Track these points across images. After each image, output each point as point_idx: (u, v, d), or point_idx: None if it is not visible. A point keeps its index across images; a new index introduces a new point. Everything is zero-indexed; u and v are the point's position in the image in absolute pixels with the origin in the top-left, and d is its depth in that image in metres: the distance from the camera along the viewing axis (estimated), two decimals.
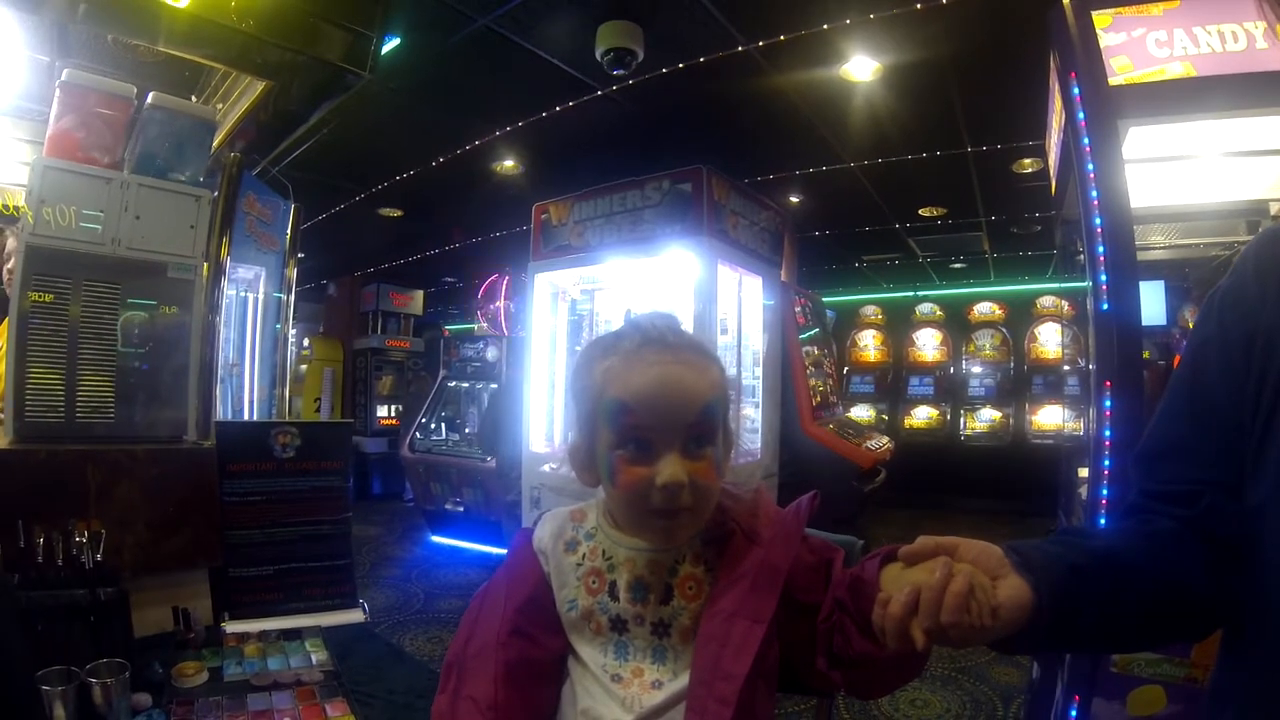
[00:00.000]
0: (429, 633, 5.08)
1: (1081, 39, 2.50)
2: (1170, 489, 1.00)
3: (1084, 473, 2.80)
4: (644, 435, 1.09)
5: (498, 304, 7.30)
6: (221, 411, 3.70)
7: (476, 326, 7.73)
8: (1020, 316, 9.97)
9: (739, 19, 4.23)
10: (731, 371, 5.21)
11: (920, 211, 8.10)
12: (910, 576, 0.87)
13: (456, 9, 4.12)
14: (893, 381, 10.51)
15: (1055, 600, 0.86)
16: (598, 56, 4.42)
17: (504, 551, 1.35)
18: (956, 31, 4.23)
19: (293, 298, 4.29)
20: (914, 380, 10.36)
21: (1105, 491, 2.33)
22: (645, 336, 1.13)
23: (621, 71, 4.51)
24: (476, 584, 1.29)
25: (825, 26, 4.27)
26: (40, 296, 2.41)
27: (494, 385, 7.26)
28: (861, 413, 10.05)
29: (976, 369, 10.07)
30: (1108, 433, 2.32)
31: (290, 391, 4.44)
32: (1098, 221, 2.35)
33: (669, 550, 1.17)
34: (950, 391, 10.06)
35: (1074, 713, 2.34)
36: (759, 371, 5.77)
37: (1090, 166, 2.38)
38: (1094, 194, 2.36)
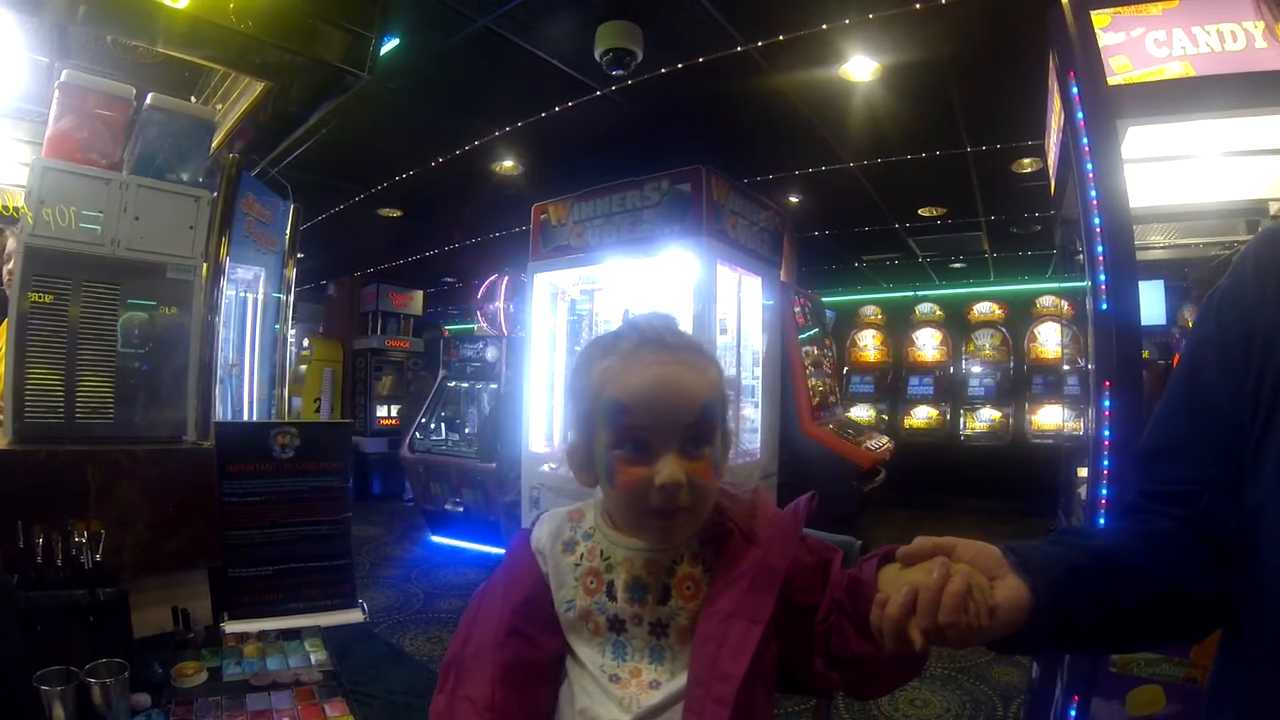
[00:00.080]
0: (429, 633, 5.08)
1: (1080, 38, 2.50)
2: (1169, 489, 1.00)
3: (1083, 472, 2.79)
4: (642, 435, 1.09)
5: (497, 304, 7.28)
6: (221, 412, 3.70)
7: (476, 327, 7.72)
8: (1020, 316, 9.97)
9: (738, 19, 4.23)
10: (731, 372, 5.24)
11: (920, 211, 8.10)
12: (908, 577, 0.87)
13: (455, 9, 4.12)
14: (892, 381, 10.51)
15: (1053, 601, 0.86)
16: (597, 57, 4.42)
17: (504, 551, 1.35)
18: (956, 31, 4.23)
19: (292, 298, 4.29)
20: (914, 380, 10.36)
21: (1104, 491, 2.33)
22: (643, 337, 1.14)
23: (621, 72, 4.52)
24: (476, 584, 1.29)
25: (824, 26, 4.27)
26: (40, 297, 2.41)
27: (493, 385, 7.26)
28: (861, 413, 10.05)
29: (976, 369, 10.06)
30: (1107, 432, 2.32)
31: (290, 392, 4.44)
32: (1097, 221, 2.35)
33: (667, 550, 1.17)
34: (950, 391, 10.05)
35: (1073, 712, 2.34)
36: (758, 371, 5.76)
37: (1089, 166, 2.38)
38: (1093, 194, 2.36)
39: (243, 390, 4.16)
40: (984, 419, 9.75)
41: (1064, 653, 2.34)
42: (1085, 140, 2.41)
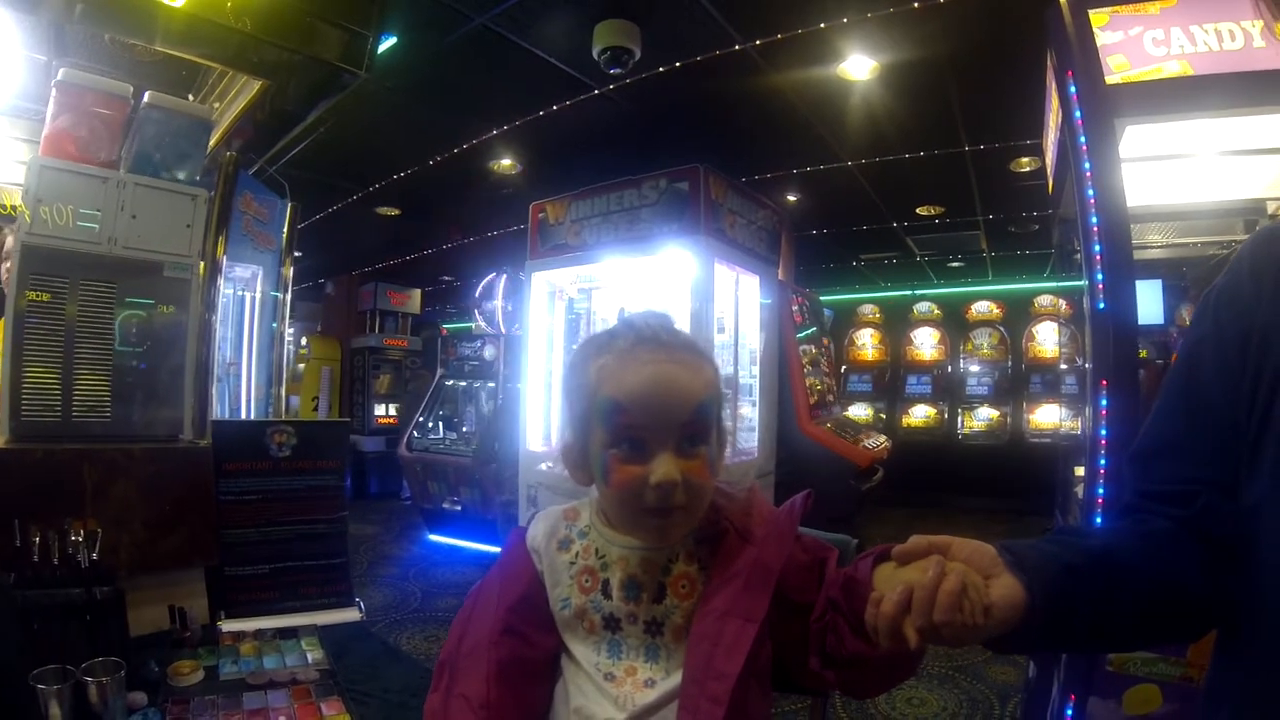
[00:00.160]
0: (426, 631, 5.08)
1: (1078, 38, 2.50)
2: (1166, 489, 1.00)
3: (1080, 471, 2.80)
4: (638, 434, 1.08)
5: (495, 303, 7.28)
6: (219, 410, 3.70)
7: (474, 325, 7.71)
8: (1018, 315, 9.96)
9: (736, 18, 4.22)
10: (728, 370, 5.24)
11: (918, 210, 8.10)
12: (903, 575, 0.87)
13: (453, 8, 4.11)
14: (890, 380, 10.50)
15: (1048, 600, 0.86)
16: (595, 55, 4.42)
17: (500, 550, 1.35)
18: (954, 30, 4.23)
19: (289, 296, 4.28)
20: (912, 379, 10.35)
21: (1101, 490, 2.34)
22: (639, 335, 1.13)
23: (619, 70, 4.51)
24: (474, 582, 1.29)
25: (822, 25, 4.27)
26: (37, 295, 2.41)
27: (491, 384, 7.26)
28: (859, 411, 10.05)
29: (974, 368, 10.06)
30: (1104, 431, 2.32)
31: (287, 390, 4.44)
32: (1094, 220, 2.35)
33: (662, 549, 1.17)
34: (948, 390, 10.05)
35: (1070, 711, 2.34)
36: (756, 370, 5.77)
37: (1087, 165, 2.39)
38: (1091, 193, 2.36)
39: (240, 389, 4.16)
40: (982, 418, 9.75)
41: (1060, 652, 2.34)
42: (1083, 139, 2.42)
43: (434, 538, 7.49)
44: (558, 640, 1.20)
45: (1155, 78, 2.43)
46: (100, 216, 2.53)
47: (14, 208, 3.06)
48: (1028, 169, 6.47)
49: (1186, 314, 3.13)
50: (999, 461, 9.14)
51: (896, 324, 10.74)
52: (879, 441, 6.99)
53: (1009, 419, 9.56)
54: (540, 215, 5.66)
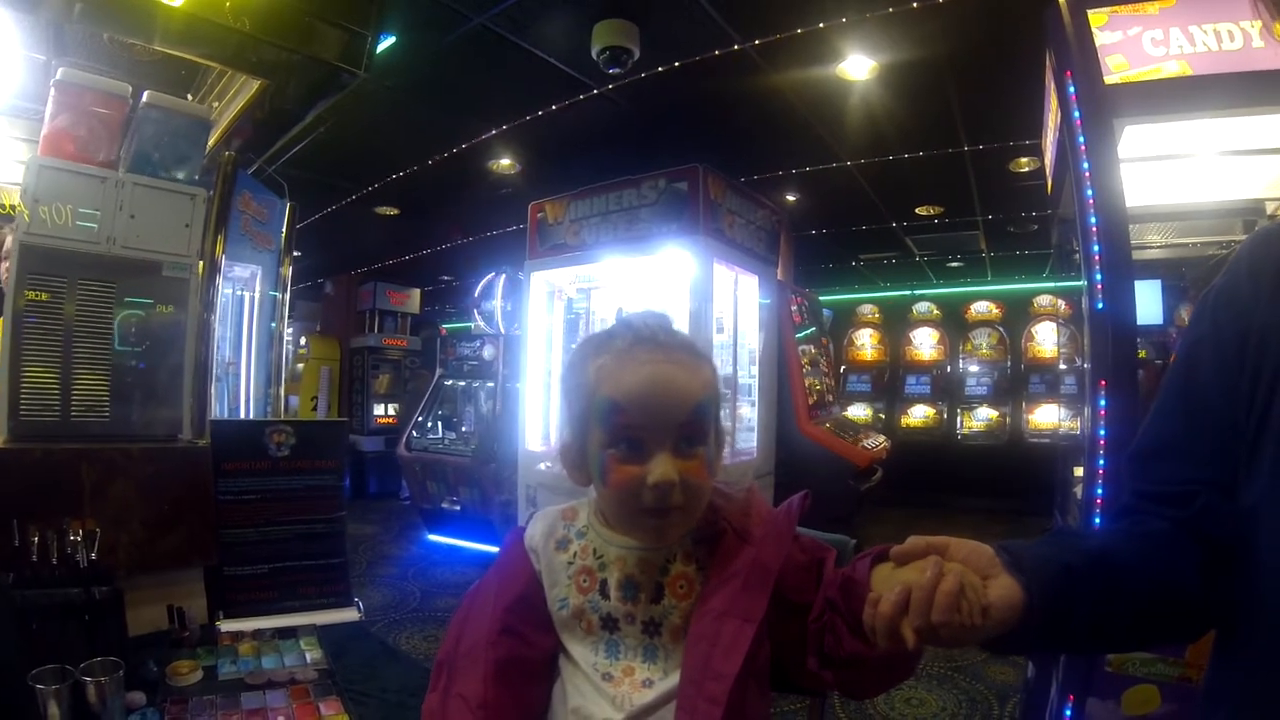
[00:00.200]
0: (425, 631, 5.08)
1: (1077, 38, 2.50)
2: (1164, 489, 0.99)
3: (1079, 472, 2.80)
4: (635, 434, 1.08)
5: (494, 302, 7.28)
6: (219, 410, 3.70)
7: (473, 325, 7.71)
8: (1017, 315, 9.96)
9: (735, 17, 4.22)
10: (727, 370, 5.25)
11: (917, 210, 8.09)
12: (901, 576, 0.87)
13: (452, 8, 4.11)
14: (890, 380, 10.51)
15: (1046, 600, 0.86)
16: (594, 55, 4.42)
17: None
18: (953, 30, 4.23)
19: (288, 296, 4.29)
20: (911, 379, 10.35)
21: (1100, 490, 2.34)
22: (637, 336, 1.13)
23: (617, 70, 4.51)
24: (473, 582, 1.29)
25: (821, 25, 4.27)
26: (36, 295, 2.41)
27: (490, 384, 7.26)
28: (858, 412, 10.05)
29: (973, 368, 10.06)
30: (1103, 432, 2.32)
31: (287, 390, 4.45)
32: (1093, 220, 2.35)
33: (660, 549, 1.17)
34: (947, 390, 10.05)
35: (1069, 712, 2.35)
36: (755, 370, 5.78)
37: (1085, 165, 2.39)
38: (1089, 193, 2.36)
39: (239, 388, 4.16)
40: (981, 418, 9.75)
41: (1057, 653, 2.35)
42: (1082, 139, 2.42)
43: (433, 537, 7.48)
44: (555, 640, 1.20)
45: (1154, 78, 2.43)
46: (99, 216, 2.53)
47: (13, 207, 3.06)
48: (1027, 169, 6.47)
49: (1186, 314, 3.13)
50: (998, 462, 9.14)
51: (896, 324, 10.74)
52: (878, 442, 6.99)
53: (1008, 419, 9.56)
54: (539, 215, 5.66)
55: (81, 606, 2.08)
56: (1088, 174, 2.37)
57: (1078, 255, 2.63)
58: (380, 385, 10.91)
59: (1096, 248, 2.35)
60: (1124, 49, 2.46)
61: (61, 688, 1.74)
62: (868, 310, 10.99)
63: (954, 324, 10.34)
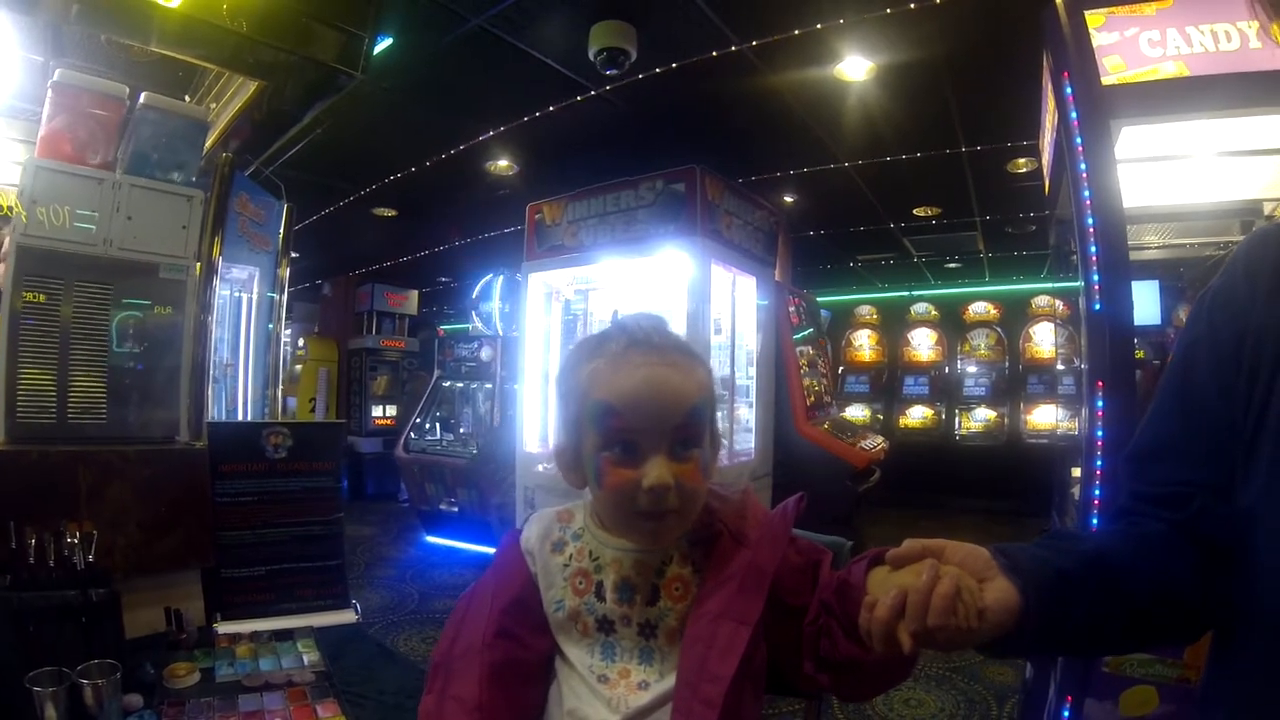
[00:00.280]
0: (423, 633, 5.08)
1: (1074, 38, 2.50)
2: (1161, 491, 0.99)
3: (1077, 472, 2.80)
4: (630, 437, 1.08)
5: (492, 304, 7.28)
6: (216, 412, 3.70)
7: (471, 326, 7.72)
8: (1015, 316, 9.97)
9: (732, 18, 4.22)
10: (725, 372, 5.24)
11: (915, 211, 8.09)
12: (897, 579, 0.87)
13: (449, 9, 4.11)
14: (888, 381, 10.51)
15: (1043, 603, 0.85)
16: (591, 56, 4.41)
17: None
18: (951, 31, 4.23)
19: (285, 298, 4.28)
20: (909, 380, 10.36)
21: (1098, 491, 2.34)
22: (631, 338, 1.13)
23: (615, 71, 4.51)
24: (470, 584, 1.29)
25: (819, 26, 4.27)
26: (33, 297, 2.41)
27: (488, 385, 7.26)
28: (856, 412, 10.06)
29: (971, 369, 10.07)
30: (1100, 433, 2.32)
31: (285, 392, 4.45)
32: (1090, 221, 2.35)
33: (656, 551, 1.17)
34: (945, 391, 10.05)
35: (1067, 713, 2.34)
36: (753, 372, 5.77)
37: (1082, 166, 2.39)
38: (1086, 194, 2.36)
39: (237, 390, 4.16)
40: (979, 419, 9.75)
41: (1054, 655, 2.34)
42: (1079, 140, 2.42)
43: (431, 539, 7.47)
44: (551, 642, 1.20)
45: (1151, 79, 2.43)
46: (96, 218, 2.53)
47: (10, 208, 3.06)
48: (1024, 170, 6.47)
49: (1183, 315, 3.14)
50: (996, 462, 9.14)
51: (894, 325, 10.75)
52: (876, 442, 6.99)
53: (1006, 420, 9.57)
54: (537, 216, 5.66)
55: (78, 609, 2.08)
56: (1085, 175, 2.37)
57: (1075, 256, 2.63)
58: (378, 387, 10.90)
59: (1094, 248, 2.34)
60: (1121, 50, 2.46)
61: (58, 690, 1.74)
62: (866, 311, 11.00)
63: (952, 325, 10.34)
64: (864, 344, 10.87)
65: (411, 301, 11.86)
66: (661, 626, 1.14)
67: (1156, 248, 3.35)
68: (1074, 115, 2.45)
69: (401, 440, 7.57)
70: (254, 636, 2.51)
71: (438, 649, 1.23)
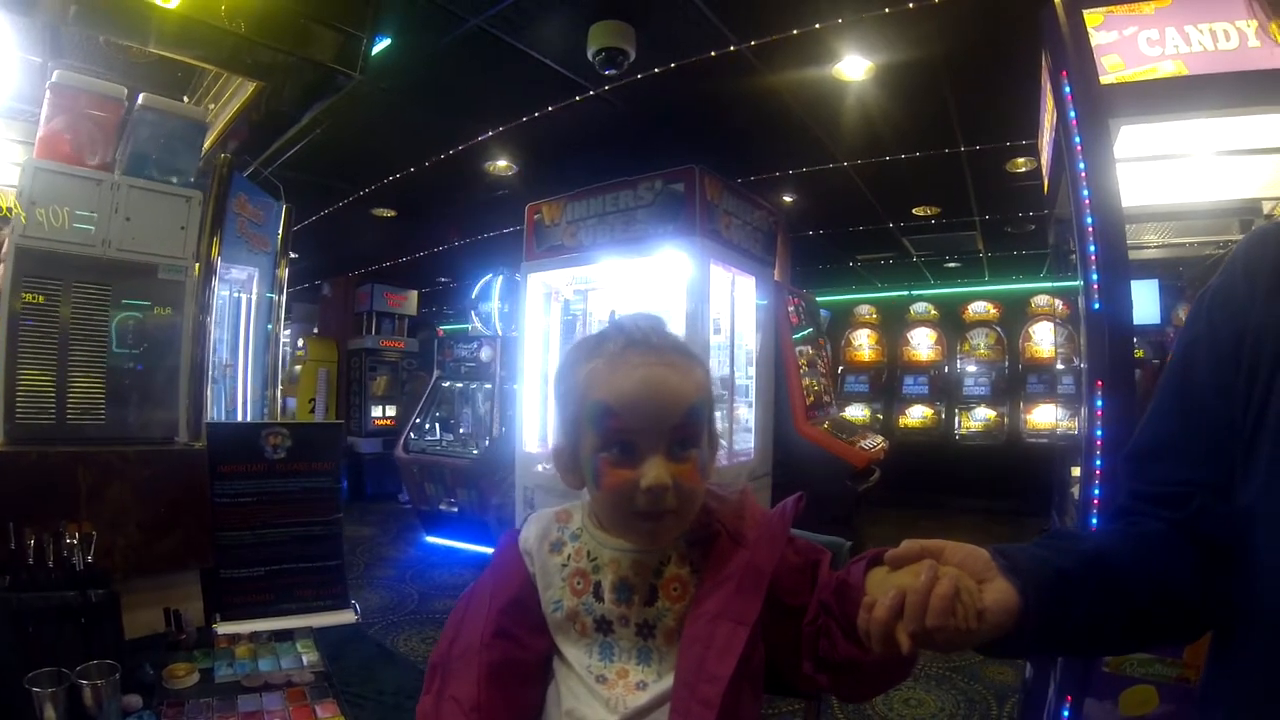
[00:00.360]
0: (423, 633, 5.07)
1: (1073, 38, 2.50)
2: (1160, 490, 0.99)
3: (1077, 472, 2.79)
4: (628, 438, 1.08)
5: (491, 304, 7.28)
6: (215, 412, 3.70)
7: (470, 327, 7.71)
8: (1015, 315, 9.97)
9: (731, 18, 4.22)
10: (724, 372, 5.24)
11: (914, 211, 8.09)
12: (895, 580, 0.87)
13: (448, 9, 4.11)
14: (887, 381, 10.51)
15: (1042, 604, 0.85)
16: (589, 56, 4.41)
17: None
18: (949, 30, 4.23)
19: (284, 298, 4.28)
20: (909, 379, 10.36)
21: (1097, 491, 2.33)
22: (629, 338, 1.13)
23: (613, 71, 4.51)
24: (470, 584, 1.29)
25: (818, 26, 4.26)
26: (32, 298, 2.41)
27: (488, 385, 7.25)
28: (856, 412, 10.06)
29: (971, 368, 10.07)
30: (1099, 432, 2.32)
31: (284, 392, 4.44)
32: (1089, 220, 2.35)
33: (654, 551, 1.17)
34: (945, 391, 10.05)
35: (1066, 713, 2.34)
36: (752, 372, 5.77)
37: (1081, 165, 2.38)
38: (1085, 193, 2.36)
39: (237, 390, 4.16)
40: (979, 418, 9.75)
41: (1054, 655, 2.34)
42: (1078, 139, 2.41)
43: (431, 540, 7.47)
44: (550, 643, 1.20)
45: (1150, 78, 2.43)
46: (95, 218, 2.53)
47: (8, 210, 3.06)
48: (1023, 169, 6.47)
49: (1183, 314, 3.13)
50: (996, 462, 9.14)
51: (893, 324, 10.75)
52: (876, 442, 6.98)
53: (1006, 419, 9.57)
54: (536, 216, 5.66)
55: (78, 609, 2.08)
56: (1084, 174, 2.37)
57: (1074, 255, 2.63)
58: (378, 387, 10.90)
59: (1093, 248, 2.34)
60: (1120, 49, 2.46)
61: (58, 691, 1.74)
62: (865, 311, 11.00)
63: (951, 324, 10.34)
64: (863, 344, 10.87)
65: (411, 302, 11.86)
66: (659, 627, 1.14)
67: (1155, 247, 3.35)
68: (1073, 114, 2.45)
69: (401, 440, 7.57)
70: (253, 637, 2.51)
71: (436, 649, 1.23)
